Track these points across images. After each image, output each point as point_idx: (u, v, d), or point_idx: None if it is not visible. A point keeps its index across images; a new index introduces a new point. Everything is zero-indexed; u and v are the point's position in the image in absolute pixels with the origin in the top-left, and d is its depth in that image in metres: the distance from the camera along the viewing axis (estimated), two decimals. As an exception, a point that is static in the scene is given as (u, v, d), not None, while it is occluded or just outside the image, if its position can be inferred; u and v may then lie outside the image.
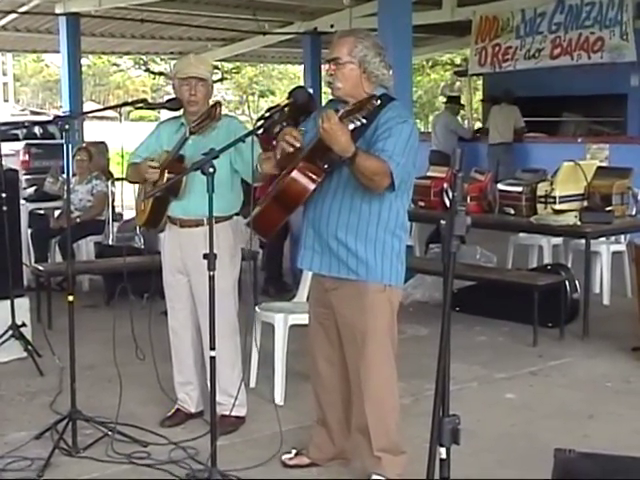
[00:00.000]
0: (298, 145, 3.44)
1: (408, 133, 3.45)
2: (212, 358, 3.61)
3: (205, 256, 3.54)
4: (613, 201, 6.73)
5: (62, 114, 10.39)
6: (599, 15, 10.33)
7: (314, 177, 3.40)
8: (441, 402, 2.24)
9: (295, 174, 3.39)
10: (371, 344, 3.57)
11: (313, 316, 3.82)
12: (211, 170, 3.43)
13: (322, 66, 14.19)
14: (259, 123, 3.67)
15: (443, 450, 2.26)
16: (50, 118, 14.57)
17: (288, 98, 3.67)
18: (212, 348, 3.60)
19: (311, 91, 3.92)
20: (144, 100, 4.62)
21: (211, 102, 4.35)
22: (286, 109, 3.73)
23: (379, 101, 3.37)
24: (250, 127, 3.76)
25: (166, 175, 4.14)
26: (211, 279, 3.53)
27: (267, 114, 3.76)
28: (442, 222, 2.25)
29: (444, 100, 14.02)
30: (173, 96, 4.39)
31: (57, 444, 4.05)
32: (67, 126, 4.14)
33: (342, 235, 3.54)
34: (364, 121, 3.25)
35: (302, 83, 15.35)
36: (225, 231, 4.23)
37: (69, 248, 4.61)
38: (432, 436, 2.25)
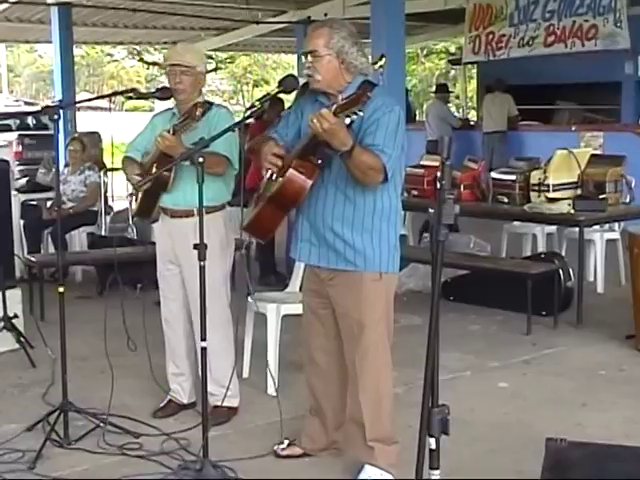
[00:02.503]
0: (280, 164, 3.47)
1: (396, 123, 3.43)
2: (203, 349, 3.60)
3: (196, 246, 3.53)
4: (607, 189, 6.71)
5: (51, 104, 10.34)
6: (593, 2, 10.30)
7: (310, 174, 3.38)
8: (430, 393, 2.22)
9: (291, 173, 3.37)
10: (367, 332, 3.56)
11: (307, 306, 3.81)
12: (200, 160, 3.40)
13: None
14: (248, 112, 3.65)
15: (433, 440, 2.25)
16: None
17: (278, 87, 3.65)
18: (203, 339, 3.59)
19: (303, 80, 3.90)
20: (134, 89, 4.60)
21: (201, 99, 4.29)
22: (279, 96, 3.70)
23: (372, 93, 3.34)
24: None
25: (154, 169, 4.11)
26: (202, 269, 3.52)
27: (257, 103, 3.74)
28: (430, 210, 2.24)
29: (433, 90, 13.99)
30: (163, 85, 4.36)
31: (49, 436, 4.04)
32: (56, 116, 4.10)
33: (338, 227, 3.52)
34: (361, 114, 3.22)
35: (295, 72, 15.31)
36: (216, 221, 4.19)
37: (60, 239, 4.59)
38: (421, 427, 2.24)
